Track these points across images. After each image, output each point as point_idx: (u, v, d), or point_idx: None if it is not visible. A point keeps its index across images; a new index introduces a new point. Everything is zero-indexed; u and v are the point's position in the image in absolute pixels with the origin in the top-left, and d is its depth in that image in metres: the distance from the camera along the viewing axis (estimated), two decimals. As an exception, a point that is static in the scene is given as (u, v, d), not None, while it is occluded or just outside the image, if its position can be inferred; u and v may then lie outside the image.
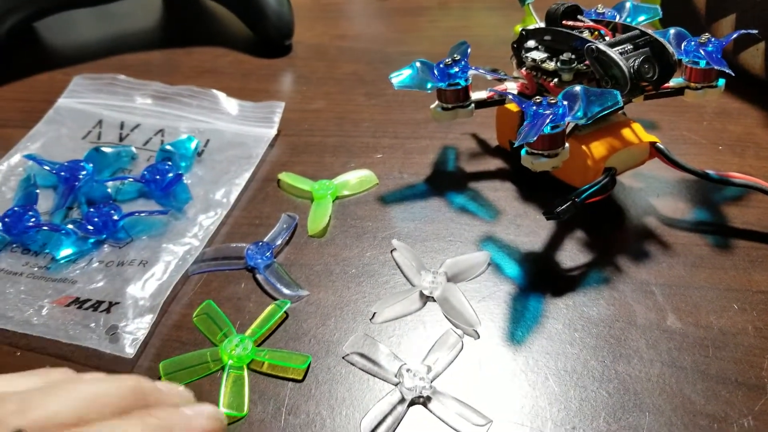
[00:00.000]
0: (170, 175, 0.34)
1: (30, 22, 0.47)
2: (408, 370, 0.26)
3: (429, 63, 0.33)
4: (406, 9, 0.55)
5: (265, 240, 0.32)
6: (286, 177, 0.36)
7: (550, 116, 0.27)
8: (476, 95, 0.34)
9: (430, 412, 0.25)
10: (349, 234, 0.33)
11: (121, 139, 0.38)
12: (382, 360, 0.26)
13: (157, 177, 0.34)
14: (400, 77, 0.33)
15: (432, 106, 0.34)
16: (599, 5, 0.36)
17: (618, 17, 0.36)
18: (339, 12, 0.54)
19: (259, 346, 0.27)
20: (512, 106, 0.36)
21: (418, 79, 0.33)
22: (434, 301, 0.29)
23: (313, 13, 0.54)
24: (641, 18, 0.37)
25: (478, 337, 0.28)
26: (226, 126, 0.40)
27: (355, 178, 0.36)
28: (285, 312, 0.29)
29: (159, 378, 0.26)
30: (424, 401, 0.25)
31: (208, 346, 0.27)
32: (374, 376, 0.26)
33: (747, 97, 0.42)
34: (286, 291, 0.30)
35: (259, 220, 0.34)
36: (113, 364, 0.27)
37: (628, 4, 0.37)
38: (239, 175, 0.36)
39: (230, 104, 0.41)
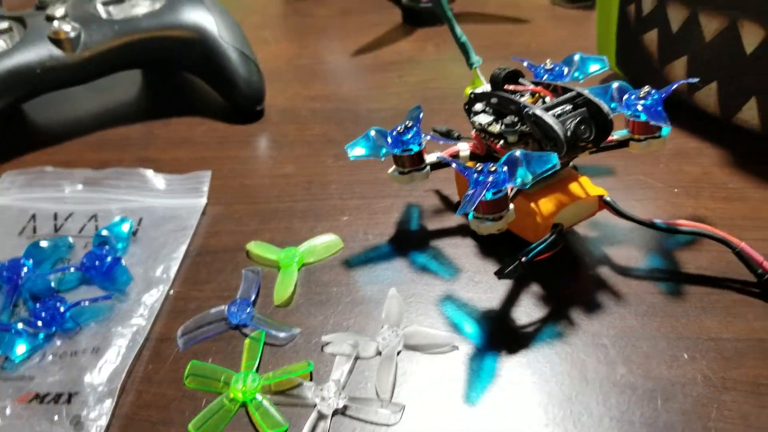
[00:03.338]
0: (109, 259, 0.35)
1: (17, 104, 0.49)
2: (321, 389, 0.29)
3: (383, 130, 0.35)
4: (375, 65, 0.56)
5: (238, 297, 0.34)
6: (254, 247, 0.37)
7: (490, 183, 0.28)
8: (431, 157, 0.36)
9: (352, 417, 0.28)
10: (314, 301, 0.34)
11: (56, 229, 0.39)
12: (305, 392, 0.29)
13: (97, 263, 0.35)
14: (355, 149, 0.34)
15: (389, 171, 0.35)
16: (548, 61, 0.37)
17: (567, 70, 0.37)
18: (311, 72, 0.56)
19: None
20: (469, 164, 0.37)
21: (373, 148, 0.34)
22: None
23: (287, 75, 0.56)
24: (593, 67, 0.38)
25: (458, 348, 0.31)
26: (157, 202, 0.41)
27: (321, 244, 0.37)
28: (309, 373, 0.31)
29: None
30: (343, 411, 0.28)
31: (178, 417, 0.29)
32: (297, 406, 0.29)
33: (704, 135, 0.43)
34: (281, 335, 0.32)
35: (204, 286, 0.35)
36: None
37: (576, 57, 0.38)
38: (176, 248, 0.37)
39: (158, 180, 0.42)
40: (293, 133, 0.48)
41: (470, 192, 0.29)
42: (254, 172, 0.44)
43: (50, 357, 0.32)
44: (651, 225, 0.33)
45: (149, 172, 0.43)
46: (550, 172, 0.29)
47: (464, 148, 0.36)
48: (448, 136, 0.39)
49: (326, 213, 0.40)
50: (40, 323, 0.33)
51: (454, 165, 0.31)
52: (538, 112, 0.31)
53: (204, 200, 0.41)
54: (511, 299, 0.33)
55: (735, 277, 0.33)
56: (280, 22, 0.67)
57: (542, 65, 0.37)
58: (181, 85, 0.55)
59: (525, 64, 0.38)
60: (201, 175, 0.42)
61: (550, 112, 0.31)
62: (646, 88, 0.33)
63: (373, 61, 0.57)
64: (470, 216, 0.30)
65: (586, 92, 0.32)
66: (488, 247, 0.36)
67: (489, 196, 0.29)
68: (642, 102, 0.32)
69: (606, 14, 0.48)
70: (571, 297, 0.33)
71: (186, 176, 0.42)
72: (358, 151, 0.34)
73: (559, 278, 0.34)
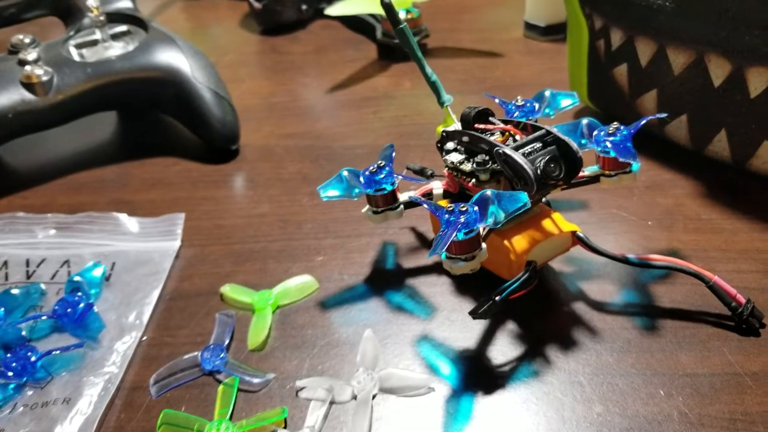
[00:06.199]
0: (81, 306, 0.35)
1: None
2: None
3: (356, 171, 0.35)
4: (351, 101, 0.57)
5: (212, 343, 0.34)
6: (228, 290, 0.36)
7: (461, 224, 0.28)
8: (404, 196, 0.35)
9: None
10: (289, 344, 0.34)
11: (28, 276, 0.39)
12: None
13: (69, 310, 0.34)
14: (328, 191, 0.34)
15: (363, 210, 0.35)
16: (519, 97, 0.37)
17: (538, 106, 0.38)
18: (286, 110, 0.56)
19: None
20: (442, 202, 0.37)
21: (346, 188, 0.34)
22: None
23: (262, 114, 0.56)
24: (564, 102, 0.38)
25: (434, 390, 0.30)
26: (130, 245, 0.41)
27: (296, 285, 0.37)
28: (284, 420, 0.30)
29: None
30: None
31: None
32: None
33: (676, 167, 0.43)
34: (255, 380, 0.32)
35: (178, 332, 0.35)
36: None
37: (547, 93, 0.38)
38: (149, 293, 0.37)
39: (131, 223, 0.42)
40: (268, 172, 0.48)
41: (441, 233, 0.29)
42: (229, 212, 0.44)
43: (21, 408, 0.31)
44: (624, 260, 0.33)
45: (122, 216, 0.42)
46: (521, 211, 0.29)
47: (437, 186, 0.36)
48: (421, 174, 0.39)
49: (301, 253, 0.40)
50: (11, 374, 0.32)
51: (425, 205, 0.31)
52: (508, 151, 0.31)
53: (177, 243, 0.41)
54: (486, 338, 0.33)
55: (709, 311, 0.33)
56: (255, 60, 0.68)
57: (513, 102, 0.37)
58: (156, 126, 0.55)
59: (497, 100, 0.38)
60: (174, 217, 0.42)
61: (520, 151, 0.31)
62: (615, 125, 0.33)
63: (348, 98, 0.57)
64: (443, 256, 0.30)
65: (555, 130, 0.32)
66: (464, 284, 0.36)
67: (461, 236, 0.29)
68: (611, 138, 0.32)
69: (576, 49, 0.48)
70: (547, 334, 0.33)
71: (159, 219, 0.42)
72: (330, 192, 0.34)
73: (535, 315, 0.34)
